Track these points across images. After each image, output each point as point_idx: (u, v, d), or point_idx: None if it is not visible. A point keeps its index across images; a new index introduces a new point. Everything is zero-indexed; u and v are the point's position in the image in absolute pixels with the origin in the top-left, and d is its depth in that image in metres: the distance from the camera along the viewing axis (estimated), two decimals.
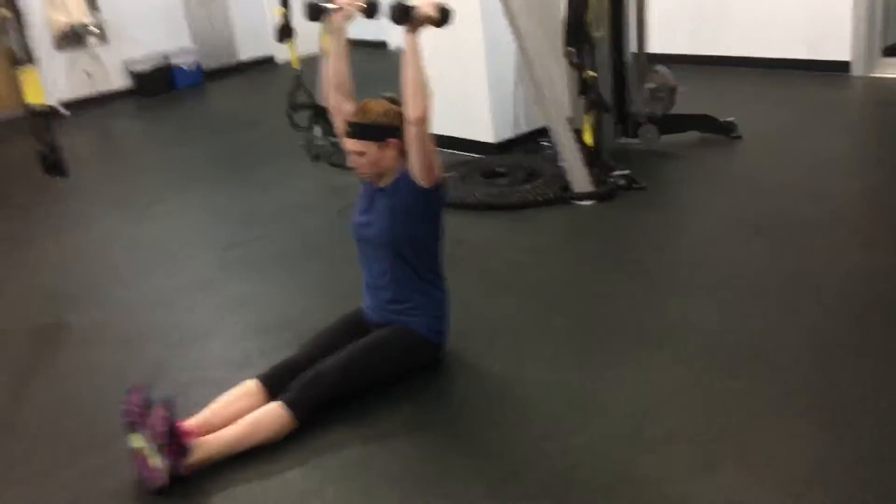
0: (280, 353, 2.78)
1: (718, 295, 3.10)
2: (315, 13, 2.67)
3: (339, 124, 2.74)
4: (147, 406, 2.34)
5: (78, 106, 8.26)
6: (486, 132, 5.09)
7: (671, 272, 3.38)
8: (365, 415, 2.60)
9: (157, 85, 8.65)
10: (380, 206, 2.73)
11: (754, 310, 2.98)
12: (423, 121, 2.51)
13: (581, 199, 4.19)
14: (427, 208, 2.70)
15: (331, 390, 2.57)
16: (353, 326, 2.82)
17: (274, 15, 5.08)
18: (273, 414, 2.48)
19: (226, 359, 3.06)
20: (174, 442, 2.30)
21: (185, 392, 2.76)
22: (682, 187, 4.37)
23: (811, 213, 3.74)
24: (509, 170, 4.72)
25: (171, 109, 8.10)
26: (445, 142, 5.31)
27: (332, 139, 5.56)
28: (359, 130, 2.63)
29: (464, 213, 4.24)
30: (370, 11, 2.67)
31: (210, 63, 9.16)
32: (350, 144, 2.65)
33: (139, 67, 8.61)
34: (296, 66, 4.62)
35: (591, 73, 4.38)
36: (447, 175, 2.85)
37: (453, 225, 4.06)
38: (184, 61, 8.87)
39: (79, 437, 2.67)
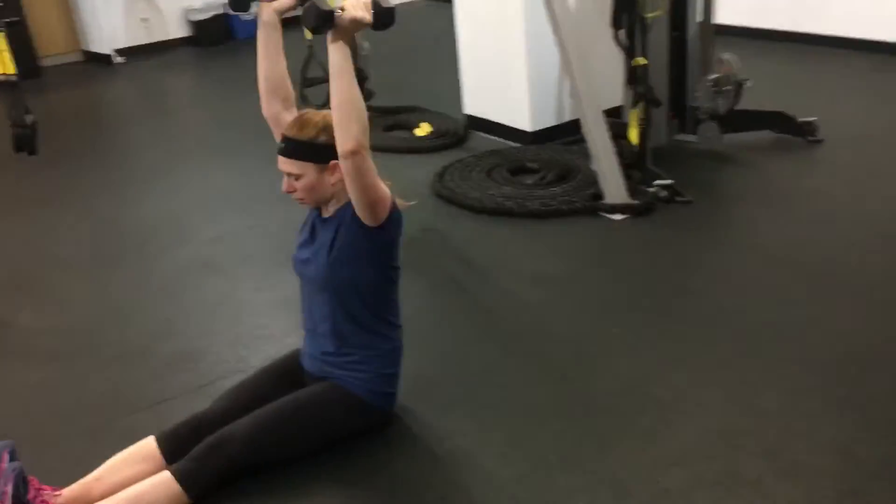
0: None
1: (744, 376, 2.45)
2: (324, 22, 1.90)
3: (277, 138, 2.26)
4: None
5: (133, 53, 8.04)
6: (522, 118, 4.51)
7: (696, 326, 2.76)
8: (288, 490, 2.17)
9: (216, 35, 8.31)
10: (321, 239, 2.26)
11: (801, 401, 2.33)
12: (355, 153, 1.99)
13: (612, 212, 3.59)
14: (374, 250, 2.21)
15: (237, 461, 2.14)
16: (285, 376, 2.37)
17: None
18: (161, 487, 2.06)
19: None
20: None
21: None
22: (737, 205, 3.69)
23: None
24: (541, 166, 4.14)
25: (228, 60, 7.77)
26: (479, 124, 4.78)
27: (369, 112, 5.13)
28: (293, 148, 2.15)
29: (476, 216, 3.73)
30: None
31: None
32: (282, 164, 2.17)
33: (198, 16, 8.29)
34: (309, 36, 4.13)
35: (640, 59, 3.75)
36: (404, 204, 2.33)
37: (461, 231, 3.60)
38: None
39: None
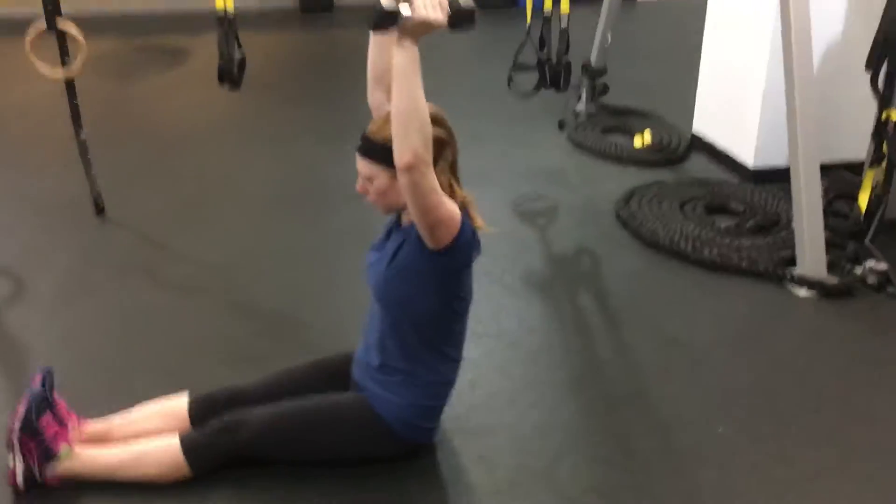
0: None
1: None
2: (385, 21, 1.73)
3: None
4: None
5: None
6: (746, 151, 3.94)
7: (859, 460, 2.20)
8: (291, 492, 2.07)
9: None
10: (388, 247, 2.09)
11: None
12: (412, 168, 1.78)
13: (799, 285, 3.02)
14: (434, 276, 2.00)
15: (244, 448, 2.07)
16: (332, 375, 2.26)
17: None
18: (166, 450, 2.06)
19: None
20: (34, 440, 2.00)
21: None
22: None
23: None
24: (745, 210, 3.61)
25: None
26: (703, 146, 4.29)
27: (591, 109, 4.82)
28: (367, 148, 1.99)
29: (643, 250, 3.33)
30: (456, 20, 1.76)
31: None
32: (358, 163, 2.02)
33: None
34: (529, 19, 3.88)
35: (894, 112, 3.10)
36: (484, 228, 2.08)
37: (618, 262, 3.25)
38: None
39: None
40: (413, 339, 2.07)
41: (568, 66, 3.85)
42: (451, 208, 1.91)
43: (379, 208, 2.07)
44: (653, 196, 3.72)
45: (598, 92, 4.85)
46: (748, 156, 3.93)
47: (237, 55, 3.64)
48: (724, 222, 3.53)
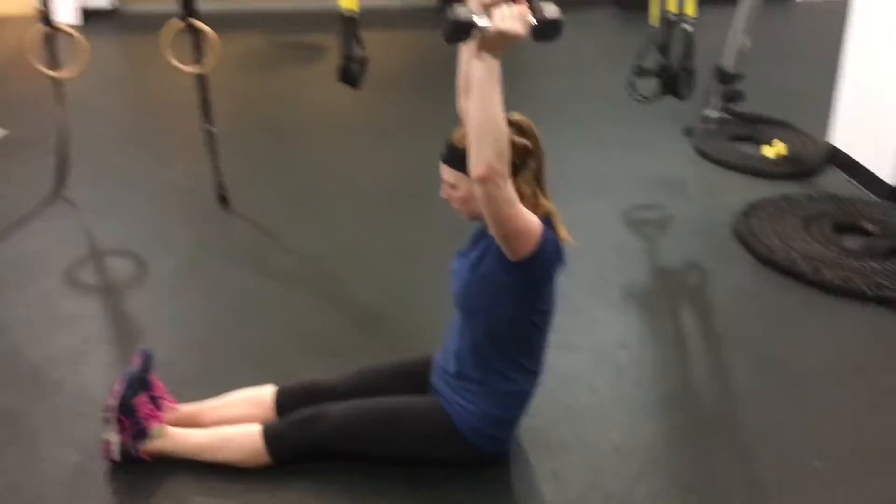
0: None
1: None
2: (459, 33, 1.69)
3: None
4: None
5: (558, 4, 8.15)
6: (885, 165, 3.66)
7: None
8: (364, 490, 2.11)
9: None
10: (472, 255, 2.09)
11: None
12: (485, 180, 1.76)
13: None
14: (513, 286, 1.98)
15: (321, 440, 2.13)
16: (411, 376, 2.28)
17: None
18: (249, 437, 2.14)
19: None
20: (130, 418, 2.13)
21: None
22: None
23: None
24: (878, 231, 3.35)
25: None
26: (840, 159, 4.04)
27: (725, 115, 4.62)
28: (450, 155, 1.99)
29: (757, 268, 3.16)
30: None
31: None
32: (441, 170, 2.03)
33: None
34: (654, 21, 3.74)
35: None
36: (569, 241, 2.03)
37: (727, 278, 3.11)
38: None
39: None
40: (490, 349, 2.06)
41: (691, 72, 3.70)
42: (529, 220, 1.89)
43: (463, 215, 2.07)
44: (776, 210, 3.53)
45: (730, 98, 4.64)
46: (888, 172, 3.65)
47: (358, 54, 3.73)
48: (852, 243, 3.30)
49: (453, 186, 2.01)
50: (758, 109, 4.68)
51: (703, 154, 4.27)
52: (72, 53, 3.49)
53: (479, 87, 1.72)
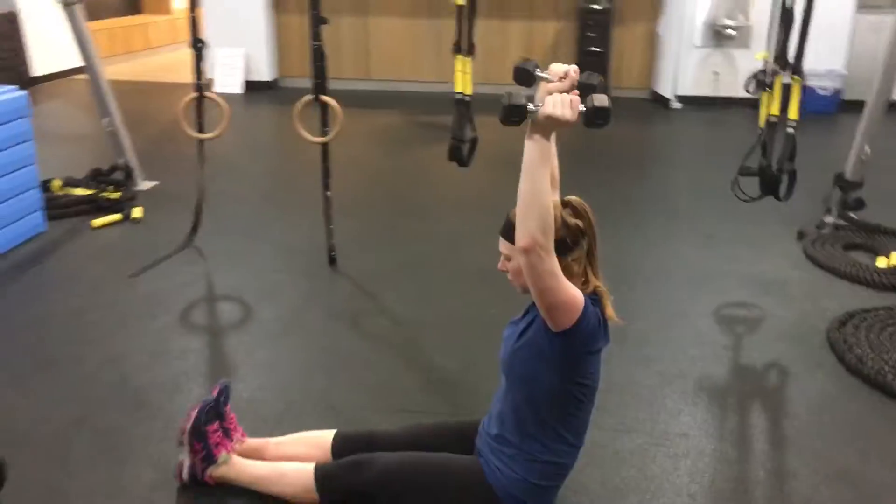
0: None
1: None
2: (513, 115, 1.82)
3: None
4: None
5: (693, 102, 8.22)
6: None
7: None
8: None
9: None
10: (520, 324, 2.21)
11: None
12: (528, 251, 1.89)
13: None
14: (554, 357, 2.07)
15: (367, 486, 2.25)
16: (462, 437, 2.37)
17: None
18: (302, 474, 2.30)
19: None
20: (201, 443, 2.34)
21: None
22: None
23: None
24: None
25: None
26: None
27: (842, 222, 4.53)
28: (507, 229, 2.13)
29: (841, 376, 3.06)
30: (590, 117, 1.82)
31: (851, 94, 8.02)
32: (500, 244, 2.17)
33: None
34: (763, 125, 3.76)
35: None
36: (614, 319, 2.11)
37: (807, 384, 3.09)
38: (822, 84, 7.97)
39: None
40: (530, 417, 2.14)
41: (792, 174, 3.69)
42: (572, 294, 1.99)
43: (516, 287, 2.19)
44: (876, 320, 3.41)
45: (850, 206, 4.54)
46: None
47: (468, 135, 3.97)
48: None
49: (508, 258, 2.14)
50: (879, 219, 4.55)
51: (812, 259, 4.18)
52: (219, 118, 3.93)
53: (529, 165, 1.87)
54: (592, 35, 8.29)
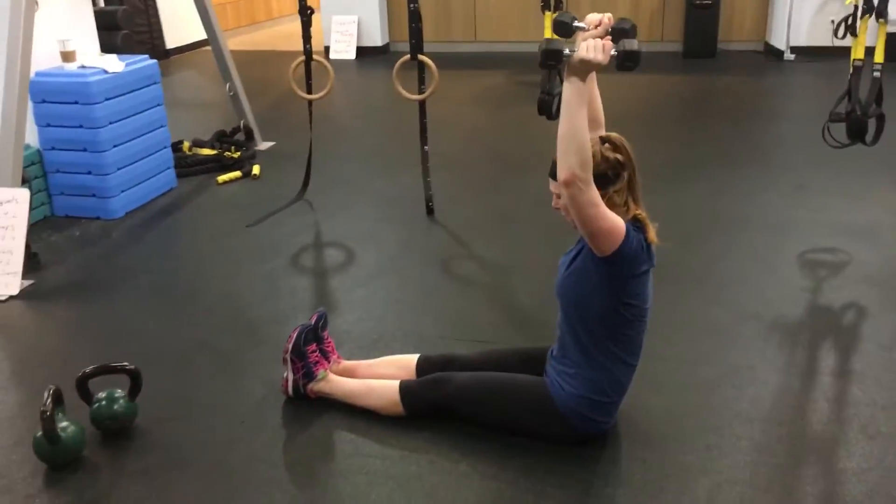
0: None
1: None
2: (550, 59, 2.04)
3: None
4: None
5: (807, 53, 7.98)
6: None
7: None
8: (471, 449, 2.48)
9: None
10: (572, 252, 2.42)
11: None
12: (569, 184, 2.08)
13: None
14: (602, 280, 2.27)
15: (445, 400, 2.53)
16: (530, 360, 2.61)
17: None
18: (388, 389, 2.61)
19: None
20: (301, 361, 2.67)
21: None
22: None
23: None
24: None
25: None
26: None
27: None
28: (554, 170, 2.32)
29: None
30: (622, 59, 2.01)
31: None
32: (550, 184, 2.37)
33: None
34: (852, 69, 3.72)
35: None
36: (655, 241, 2.28)
37: (887, 325, 3.07)
38: None
39: None
40: (586, 337, 2.35)
41: (880, 117, 3.66)
42: (613, 221, 2.17)
43: (568, 222, 2.38)
44: None
45: None
46: None
47: (557, 90, 4.15)
48: None
49: (558, 196, 2.33)
50: None
51: None
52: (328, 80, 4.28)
53: (566, 105, 2.06)
54: None
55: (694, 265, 3.61)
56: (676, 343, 2.99)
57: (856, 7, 3.72)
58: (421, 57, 4.13)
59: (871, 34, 3.71)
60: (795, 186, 4.57)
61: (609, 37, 2.10)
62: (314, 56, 4.38)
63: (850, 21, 3.77)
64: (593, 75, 2.34)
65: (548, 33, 4.09)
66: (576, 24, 2.18)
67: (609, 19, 2.21)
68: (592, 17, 2.24)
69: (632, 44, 1.99)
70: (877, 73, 3.61)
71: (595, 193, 2.12)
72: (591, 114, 2.36)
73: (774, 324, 3.12)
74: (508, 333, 3.14)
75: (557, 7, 4.09)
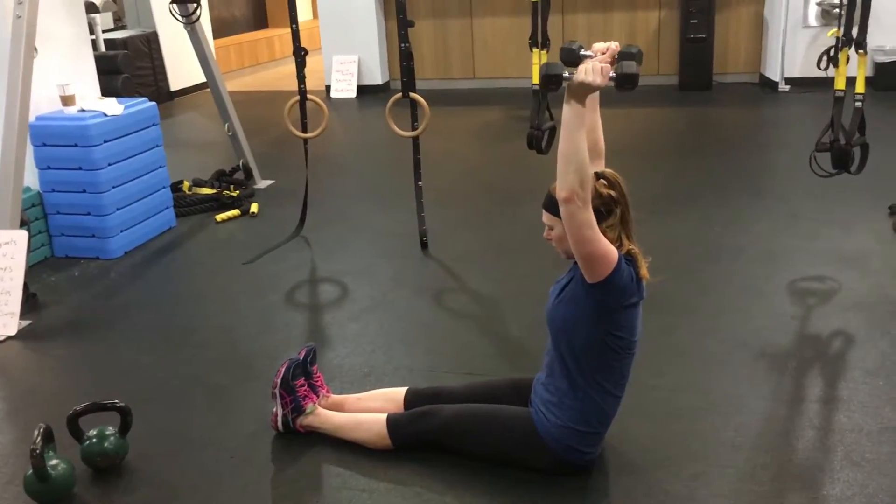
0: None
1: None
2: (550, 82, 2.16)
3: None
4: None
5: (803, 85, 8.05)
6: None
7: None
8: (459, 482, 2.50)
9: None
10: (563, 279, 2.46)
11: None
12: (568, 201, 2.13)
13: None
14: (590, 308, 2.31)
15: (431, 433, 2.56)
16: (518, 391, 2.63)
17: None
18: (376, 423, 2.63)
19: None
20: (290, 396, 2.70)
21: None
22: None
23: None
24: None
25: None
26: None
27: None
28: (547, 202, 2.37)
29: None
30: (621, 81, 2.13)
31: None
32: (543, 215, 2.42)
33: (885, 58, 7.81)
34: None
35: None
36: (645, 275, 2.31)
37: (874, 351, 3.09)
38: None
39: None
40: (572, 364, 2.37)
41: (863, 147, 3.71)
42: (607, 247, 2.22)
43: (559, 253, 2.43)
44: None
45: None
46: None
47: (547, 125, 4.21)
48: None
49: (551, 228, 2.38)
50: None
51: None
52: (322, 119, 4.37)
53: (566, 126, 2.12)
54: (695, 21, 8.28)
55: (686, 295, 3.63)
56: (665, 372, 3.01)
57: (837, 39, 3.78)
58: (412, 95, 4.21)
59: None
60: (788, 215, 4.60)
61: (607, 60, 2.18)
62: (309, 95, 4.47)
63: (832, 52, 3.83)
64: (596, 103, 2.41)
65: (535, 69, 4.16)
66: (582, 52, 2.26)
67: (616, 46, 2.28)
68: (599, 46, 2.31)
69: (630, 66, 2.07)
70: (858, 104, 3.66)
71: (591, 215, 2.17)
72: (591, 144, 2.38)
73: (762, 352, 3.14)
74: (499, 365, 3.17)
75: (544, 45, 4.17)
